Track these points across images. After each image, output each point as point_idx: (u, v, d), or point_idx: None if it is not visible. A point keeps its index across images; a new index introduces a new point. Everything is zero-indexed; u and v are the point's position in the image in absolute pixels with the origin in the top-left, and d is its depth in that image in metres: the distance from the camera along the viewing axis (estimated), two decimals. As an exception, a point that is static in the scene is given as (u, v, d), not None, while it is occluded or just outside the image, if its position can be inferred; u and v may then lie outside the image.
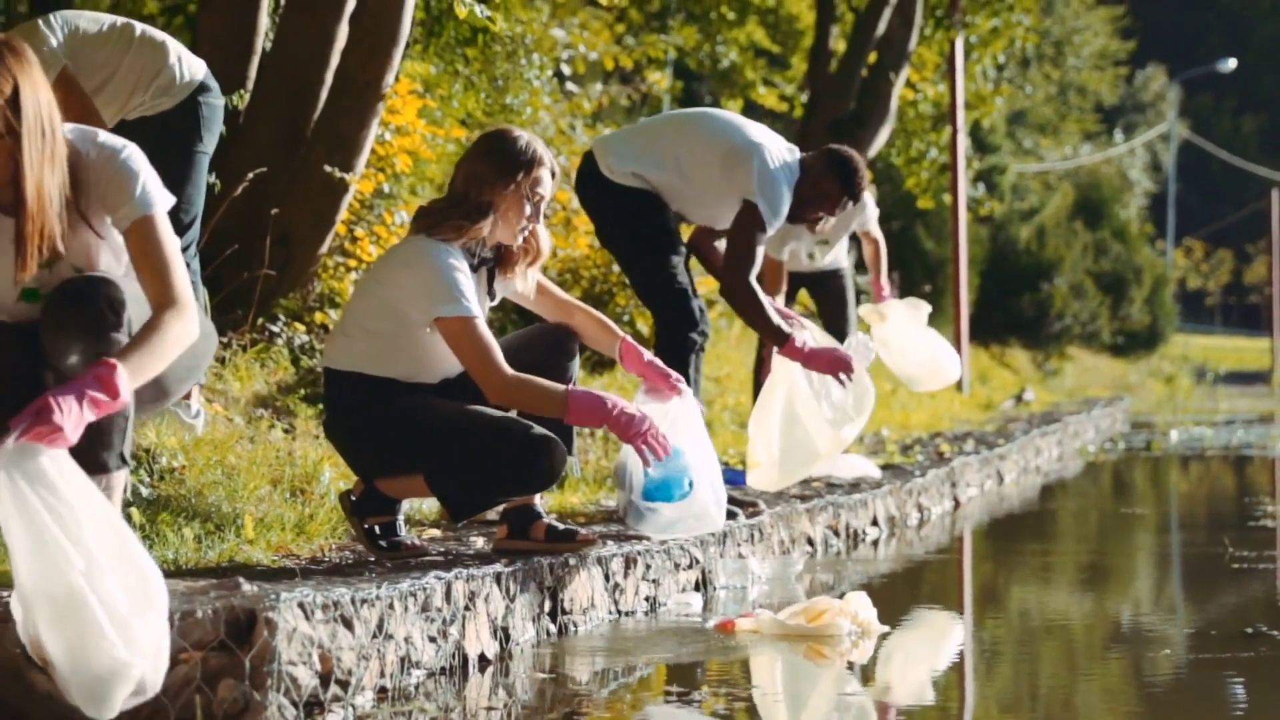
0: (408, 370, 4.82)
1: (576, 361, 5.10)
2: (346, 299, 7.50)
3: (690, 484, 5.15)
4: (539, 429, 4.73)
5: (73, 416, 3.32)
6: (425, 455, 4.77)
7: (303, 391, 6.86)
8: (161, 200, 3.86)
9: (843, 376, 6.05)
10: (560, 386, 4.70)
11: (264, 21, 7.58)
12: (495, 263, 4.92)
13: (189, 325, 3.74)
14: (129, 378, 3.50)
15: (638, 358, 5.09)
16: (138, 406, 4.04)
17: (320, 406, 6.79)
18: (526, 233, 4.88)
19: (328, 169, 7.19)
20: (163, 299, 3.75)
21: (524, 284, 5.01)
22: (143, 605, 3.26)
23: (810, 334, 6.32)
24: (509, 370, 4.67)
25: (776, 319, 6.10)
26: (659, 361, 5.15)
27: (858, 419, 6.31)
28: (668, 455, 4.77)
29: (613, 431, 4.73)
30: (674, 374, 5.14)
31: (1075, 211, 30.60)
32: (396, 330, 4.77)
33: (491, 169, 4.80)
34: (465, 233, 4.76)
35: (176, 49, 6.20)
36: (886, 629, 5.01)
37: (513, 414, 4.86)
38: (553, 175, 4.91)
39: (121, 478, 3.86)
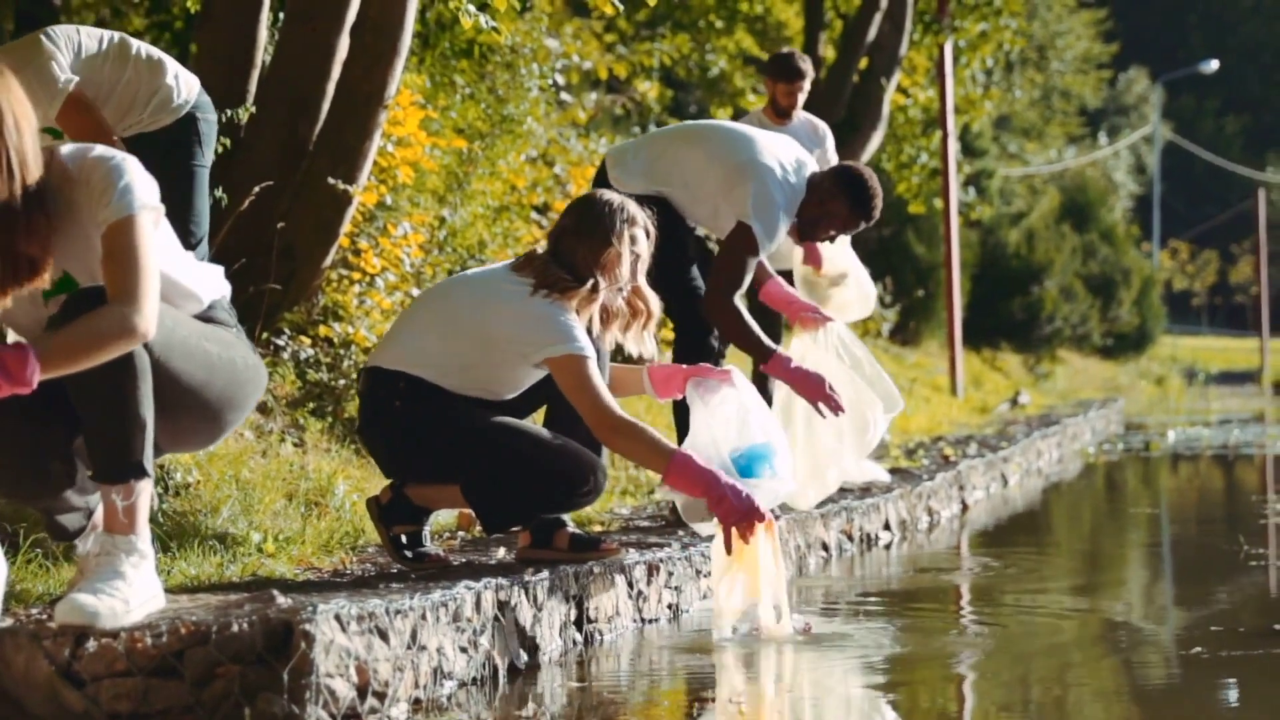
0: (468, 388, 4.79)
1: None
2: (351, 312, 7.45)
3: (775, 462, 4.97)
4: (584, 449, 4.73)
5: None
6: (466, 466, 4.74)
7: (310, 405, 6.82)
8: (145, 204, 3.65)
9: (822, 408, 5.75)
10: (669, 444, 4.67)
11: (263, 35, 7.53)
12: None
13: (134, 330, 3.51)
14: (43, 367, 3.38)
15: (668, 376, 5.02)
16: (191, 443, 3.99)
17: (329, 421, 6.76)
18: (627, 290, 4.89)
19: (331, 181, 7.14)
20: (118, 295, 3.54)
21: (639, 347, 4.98)
22: None
23: (840, 327, 6.32)
24: (620, 412, 4.64)
25: (758, 334, 5.95)
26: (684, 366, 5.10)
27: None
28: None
29: (717, 511, 4.59)
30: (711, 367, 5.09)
31: (1062, 214, 30.59)
32: (478, 359, 4.75)
33: (589, 242, 4.80)
34: (592, 303, 4.78)
35: (173, 66, 6.21)
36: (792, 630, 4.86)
37: (544, 431, 4.84)
38: (647, 235, 4.91)
39: (146, 487, 3.73)
